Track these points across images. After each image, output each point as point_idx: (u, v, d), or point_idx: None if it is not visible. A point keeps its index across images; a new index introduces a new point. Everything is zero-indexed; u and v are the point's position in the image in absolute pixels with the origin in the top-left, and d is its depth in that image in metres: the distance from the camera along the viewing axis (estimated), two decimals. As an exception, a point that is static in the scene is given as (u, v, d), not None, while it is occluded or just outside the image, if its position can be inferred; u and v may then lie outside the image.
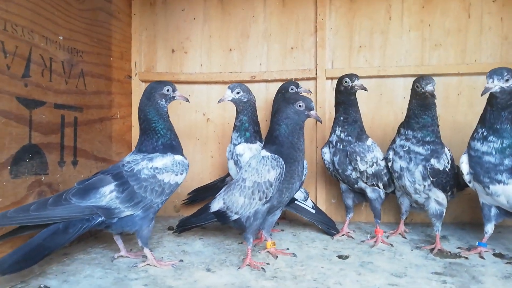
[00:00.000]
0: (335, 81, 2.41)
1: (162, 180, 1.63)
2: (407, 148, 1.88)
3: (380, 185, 2.04)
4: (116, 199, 1.55)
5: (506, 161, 1.65)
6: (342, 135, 2.02)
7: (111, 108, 2.33)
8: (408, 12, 2.39)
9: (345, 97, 2.01)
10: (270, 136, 1.70)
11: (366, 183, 2.03)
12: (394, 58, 2.40)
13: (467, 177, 1.80)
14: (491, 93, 1.66)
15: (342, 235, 2.08)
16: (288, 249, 1.88)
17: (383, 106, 2.41)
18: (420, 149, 1.86)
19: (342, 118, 2.02)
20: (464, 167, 1.79)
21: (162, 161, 1.66)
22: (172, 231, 2.16)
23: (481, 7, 2.32)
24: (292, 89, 2.17)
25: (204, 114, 2.58)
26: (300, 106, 1.62)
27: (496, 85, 1.63)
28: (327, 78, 2.42)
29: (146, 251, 1.66)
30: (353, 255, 1.79)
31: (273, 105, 2.27)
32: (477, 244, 1.83)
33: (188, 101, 1.87)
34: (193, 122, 2.57)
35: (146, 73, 2.58)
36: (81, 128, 2.04)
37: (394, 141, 1.97)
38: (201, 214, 1.92)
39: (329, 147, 2.10)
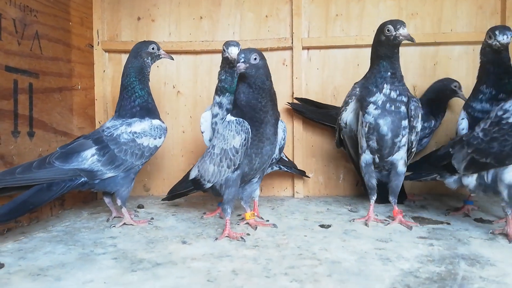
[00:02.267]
0: (312, 51, 2.36)
1: (141, 143, 1.71)
2: None
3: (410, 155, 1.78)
4: (98, 162, 1.63)
5: None
6: (393, 94, 1.64)
7: (71, 77, 2.13)
8: (385, -20, 2.34)
9: (387, 49, 1.63)
10: (234, 99, 1.60)
11: (411, 150, 1.73)
12: (371, 27, 2.32)
13: None
14: (493, 50, 1.66)
15: (366, 221, 1.70)
16: (268, 220, 1.78)
17: (360, 76, 2.32)
18: None
19: (389, 73, 1.63)
20: (463, 129, 1.79)
21: (140, 125, 1.73)
22: (161, 200, 2.11)
23: (456, -25, 2.30)
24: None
25: (174, 87, 2.42)
26: (234, 59, 1.48)
27: (506, 39, 1.63)
28: (303, 48, 2.32)
29: (124, 210, 1.74)
30: (335, 224, 1.72)
31: None
32: (464, 202, 1.83)
33: (172, 59, 1.91)
34: (162, 95, 2.41)
35: (110, 42, 2.39)
36: (38, 96, 1.84)
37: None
38: (183, 182, 1.86)
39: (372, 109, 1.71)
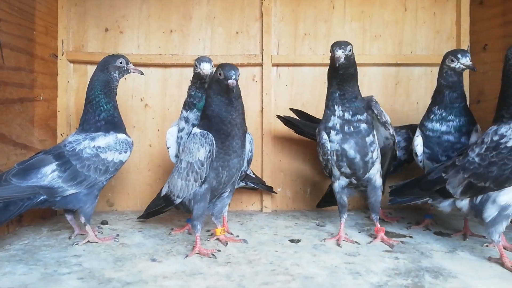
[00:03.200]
0: (281, 68, 2.42)
1: (105, 158, 1.66)
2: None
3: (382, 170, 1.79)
4: (58, 178, 1.57)
5: (463, 139, 1.75)
6: (347, 115, 1.63)
7: (33, 88, 2.05)
8: (350, 2, 2.44)
9: (333, 71, 1.65)
10: (202, 111, 1.61)
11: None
12: (337, 47, 2.42)
13: (420, 158, 1.87)
14: (455, 72, 1.75)
15: (337, 241, 1.68)
16: (238, 236, 1.78)
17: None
18: None
19: (337, 95, 1.64)
20: (419, 149, 1.85)
21: (104, 140, 1.69)
22: (137, 218, 2.08)
23: (416, 1, 2.44)
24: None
25: (141, 99, 2.38)
26: (219, 74, 1.48)
27: (469, 62, 1.72)
28: (273, 65, 2.37)
29: (88, 228, 1.68)
30: (304, 239, 1.75)
31: None
32: (424, 217, 1.91)
33: (142, 74, 1.90)
34: (130, 108, 2.37)
35: (75, 52, 2.32)
36: (-3, 107, 1.75)
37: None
38: (155, 199, 1.84)
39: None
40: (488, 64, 2.23)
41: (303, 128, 2.21)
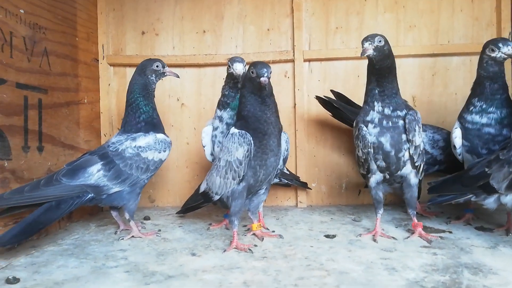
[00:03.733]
0: (313, 63, 2.42)
1: (146, 157, 1.74)
2: None
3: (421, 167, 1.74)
4: (104, 177, 1.66)
5: (504, 131, 1.70)
6: (387, 111, 1.63)
7: (78, 92, 2.17)
8: (383, -7, 2.40)
9: (371, 67, 1.64)
10: (238, 111, 1.64)
11: (415, 164, 1.68)
12: (371, 39, 2.39)
13: (459, 150, 1.83)
14: (495, 62, 1.69)
15: (373, 236, 1.67)
16: (273, 231, 1.81)
17: (360, 87, 2.37)
18: None
19: (377, 91, 1.64)
20: (457, 141, 1.81)
21: (144, 140, 1.77)
22: (176, 213, 2.16)
23: (452, -12, 2.36)
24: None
25: (178, 99, 2.47)
26: (252, 72, 1.51)
27: (511, 50, 1.65)
28: (304, 60, 2.38)
29: (132, 223, 1.77)
30: (339, 234, 1.76)
31: None
32: (464, 211, 1.87)
33: (178, 76, 1.94)
34: (167, 108, 2.46)
35: (115, 56, 2.44)
36: (47, 111, 1.88)
37: None
38: (194, 195, 1.91)
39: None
40: (533, 50, 2.12)
41: (342, 110, 2.18)
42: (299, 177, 2.35)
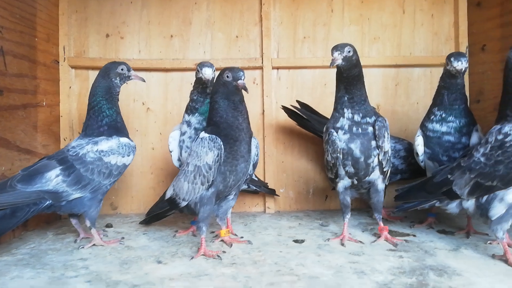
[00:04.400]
0: (281, 71, 2.44)
1: (108, 162, 1.67)
2: None
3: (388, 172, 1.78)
4: (63, 183, 1.58)
5: (463, 140, 1.77)
6: (357, 117, 1.66)
7: (36, 94, 2.06)
8: (349, 6, 2.46)
9: (339, 75, 1.68)
10: (208, 116, 1.62)
11: (383, 169, 1.71)
12: (337, 49, 2.44)
13: (421, 158, 1.89)
14: (450, 74, 1.77)
15: (341, 240, 1.70)
16: (242, 237, 1.79)
17: (327, 96, 2.43)
18: None
19: (346, 98, 1.66)
20: (420, 148, 1.88)
21: (107, 143, 1.70)
22: (139, 223, 2.06)
23: (414, 4, 2.47)
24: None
25: (143, 104, 2.40)
26: (227, 76, 1.49)
27: (464, 66, 1.73)
28: (273, 68, 2.39)
29: (94, 231, 1.70)
30: (308, 239, 1.76)
31: None
32: (427, 215, 1.93)
33: (144, 81, 1.89)
34: (132, 112, 2.38)
35: (77, 58, 2.34)
36: (1, 113, 1.77)
37: None
38: (159, 202, 1.84)
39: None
40: (487, 64, 2.25)
41: (308, 120, 2.21)
42: (267, 183, 2.34)
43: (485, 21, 2.26)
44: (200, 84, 1.82)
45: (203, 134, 1.56)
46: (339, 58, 1.59)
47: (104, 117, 1.73)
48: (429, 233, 1.84)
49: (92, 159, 1.64)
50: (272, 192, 2.32)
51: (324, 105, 2.44)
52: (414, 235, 1.79)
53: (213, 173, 1.52)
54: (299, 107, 2.28)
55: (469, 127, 1.78)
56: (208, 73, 1.77)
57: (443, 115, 1.81)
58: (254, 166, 1.83)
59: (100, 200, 1.72)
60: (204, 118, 1.83)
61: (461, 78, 1.78)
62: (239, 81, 1.46)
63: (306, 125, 2.27)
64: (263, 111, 2.39)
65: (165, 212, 1.84)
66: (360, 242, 1.68)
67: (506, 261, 1.38)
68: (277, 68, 2.42)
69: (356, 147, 1.66)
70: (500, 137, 1.43)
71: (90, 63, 2.34)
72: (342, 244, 1.66)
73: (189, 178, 1.57)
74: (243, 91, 1.52)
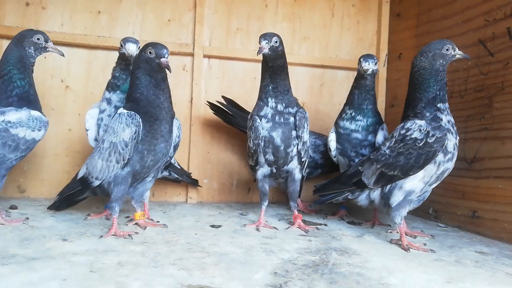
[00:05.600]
0: (213, 60, 2.44)
1: (16, 134, 1.56)
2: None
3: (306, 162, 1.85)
4: None
5: (370, 137, 1.89)
6: (280, 107, 1.71)
7: None
8: (282, 3, 2.54)
9: (265, 64, 1.71)
10: (128, 92, 1.57)
11: (301, 159, 1.78)
12: (268, 44, 2.50)
13: (333, 153, 1.99)
14: (361, 76, 1.88)
15: (257, 226, 1.73)
16: (158, 221, 1.75)
17: (256, 89, 2.46)
18: None
19: (271, 87, 1.71)
20: (332, 144, 1.99)
21: (16, 115, 1.58)
22: (48, 208, 1.87)
23: (342, 9, 2.61)
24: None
25: (62, 81, 2.26)
26: (150, 53, 1.45)
27: (371, 67, 1.84)
28: (204, 56, 2.39)
29: None
30: (225, 225, 1.77)
31: None
32: (339, 208, 2.04)
33: (63, 55, 1.75)
34: (48, 89, 2.23)
35: (-10, 24, 2.15)
36: None
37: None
38: (71, 182, 1.73)
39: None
40: (402, 71, 2.45)
41: (234, 116, 2.23)
42: (190, 173, 2.32)
43: (403, 31, 2.46)
44: (123, 60, 1.76)
45: (121, 110, 1.51)
46: (266, 47, 1.63)
47: (14, 88, 1.61)
48: (340, 223, 1.95)
49: None
50: (194, 183, 2.29)
51: (253, 98, 2.41)
52: (326, 225, 1.89)
53: (129, 151, 1.47)
54: (224, 102, 2.29)
55: (375, 126, 1.91)
56: (132, 49, 1.71)
57: (353, 114, 1.93)
58: (175, 148, 1.80)
59: (3, 175, 1.59)
60: (126, 97, 1.77)
61: (370, 80, 1.90)
62: (162, 59, 1.43)
63: (232, 121, 2.29)
64: (192, 99, 2.37)
65: (77, 195, 1.74)
66: (275, 228, 1.74)
67: (401, 244, 1.50)
68: (209, 56, 2.41)
69: (277, 136, 1.70)
70: (403, 131, 1.57)
71: (4, 32, 2.15)
72: (257, 229, 1.69)
73: (103, 156, 1.51)
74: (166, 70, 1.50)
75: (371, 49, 2.63)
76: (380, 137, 1.88)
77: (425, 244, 1.52)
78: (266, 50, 1.63)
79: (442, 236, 1.72)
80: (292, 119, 1.73)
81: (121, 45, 1.74)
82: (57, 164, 2.26)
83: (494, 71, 1.74)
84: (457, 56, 1.56)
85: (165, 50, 1.45)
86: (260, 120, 1.71)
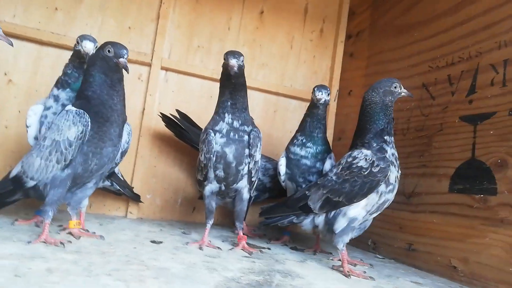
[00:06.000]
0: (170, 73, 2.42)
1: None
2: None
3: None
4: None
5: (318, 165, 1.93)
6: (236, 123, 1.71)
7: None
8: (244, 29, 2.60)
9: (227, 79, 1.71)
10: (79, 89, 1.50)
11: (251, 179, 1.78)
12: (228, 66, 2.52)
13: (282, 177, 2.01)
14: (314, 104, 1.94)
15: (200, 245, 1.67)
16: (94, 232, 1.64)
17: (212, 108, 2.45)
18: None
19: (229, 103, 1.70)
20: (282, 168, 2.00)
21: None
22: None
23: (300, 42, 2.72)
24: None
25: (6, 74, 2.10)
26: (109, 51, 1.41)
27: (324, 97, 1.91)
28: (162, 68, 2.35)
29: None
30: (167, 242, 1.70)
31: None
32: (282, 233, 2.04)
33: (11, 44, 1.58)
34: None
35: None
36: None
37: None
38: (1, 182, 1.58)
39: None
40: (351, 107, 2.57)
41: (186, 131, 2.19)
42: (132, 187, 2.22)
43: (355, 70, 2.61)
44: (78, 58, 1.69)
45: (69, 107, 1.43)
46: (236, 66, 1.64)
47: None
48: (283, 248, 1.94)
49: None
50: (136, 198, 2.19)
51: (208, 116, 2.39)
52: (269, 248, 1.88)
53: (73, 151, 1.38)
54: (178, 116, 2.25)
55: (324, 154, 1.97)
56: (88, 47, 1.65)
57: (304, 141, 1.98)
58: (123, 154, 1.72)
59: None
60: (75, 95, 1.68)
61: (321, 109, 1.97)
62: (121, 59, 1.39)
63: (184, 136, 2.25)
64: (144, 109, 2.30)
65: (6, 196, 1.58)
66: (219, 248, 1.69)
67: (342, 269, 1.52)
68: (166, 69, 2.38)
69: (230, 152, 1.69)
70: (349, 159, 1.63)
71: None
72: (201, 248, 1.64)
73: (43, 154, 1.40)
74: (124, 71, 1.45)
75: (324, 83, 2.74)
76: (327, 165, 1.93)
77: (365, 272, 1.56)
78: (235, 68, 1.64)
79: (380, 266, 1.78)
80: (246, 137, 1.72)
81: (78, 42, 1.68)
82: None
83: (435, 113, 1.88)
84: (403, 94, 1.67)
85: (125, 51, 1.42)
86: (215, 135, 1.69)
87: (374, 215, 1.68)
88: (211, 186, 1.74)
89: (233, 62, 1.63)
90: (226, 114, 1.70)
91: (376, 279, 1.49)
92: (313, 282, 1.32)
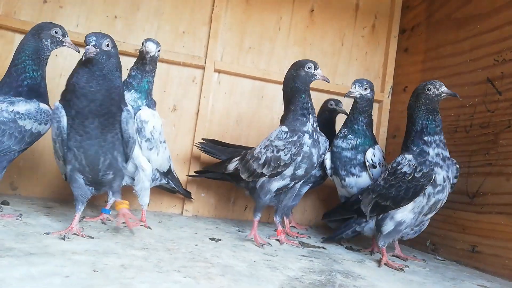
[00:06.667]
0: (222, 75, 2.45)
1: (23, 126, 1.52)
2: None
3: None
4: None
5: (359, 156, 1.93)
6: (315, 124, 1.80)
7: None
8: (295, 28, 2.59)
9: (304, 83, 1.83)
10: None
11: None
12: (278, 66, 2.54)
13: (329, 171, 2.03)
14: (353, 98, 1.93)
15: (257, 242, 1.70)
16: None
17: (262, 108, 2.50)
18: None
19: (310, 105, 1.78)
20: (327, 162, 2.02)
21: (25, 106, 1.54)
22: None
23: (352, 39, 2.68)
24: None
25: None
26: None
27: (357, 91, 1.89)
28: (215, 70, 2.40)
29: None
30: (224, 239, 1.74)
31: None
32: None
33: (78, 51, 1.67)
34: (55, 87, 2.04)
35: (5, 17, 2.14)
36: None
37: None
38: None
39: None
40: (406, 104, 2.47)
41: (219, 155, 2.17)
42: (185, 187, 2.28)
43: (410, 65, 2.52)
44: (140, 59, 1.79)
45: (56, 103, 1.44)
46: (356, 92, 1.85)
47: (26, 78, 1.59)
48: (338, 248, 1.92)
49: (5, 119, 1.49)
50: (188, 195, 2.25)
51: (258, 115, 2.50)
52: (325, 248, 1.86)
53: (59, 148, 1.44)
54: (208, 146, 2.21)
55: (365, 146, 1.94)
56: (150, 48, 1.74)
57: (346, 133, 1.98)
58: (127, 144, 1.58)
59: (4, 167, 1.55)
60: (139, 96, 1.77)
61: (360, 103, 1.94)
62: (87, 47, 1.33)
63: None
64: (198, 110, 2.36)
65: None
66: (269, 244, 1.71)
67: (380, 261, 1.59)
68: (219, 71, 2.43)
69: (315, 152, 1.73)
70: (394, 165, 1.66)
71: (19, 26, 2.14)
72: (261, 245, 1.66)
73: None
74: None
75: (377, 80, 2.68)
76: (369, 154, 1.92)
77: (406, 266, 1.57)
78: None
79: (442, 268, 1.71)
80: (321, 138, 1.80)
81: (142, 44, 1.79)
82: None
83: (502, 108, 1.78)
84: (443, 95, 1.63)
85: (94, 38, 1.36)
86: (303, 135, 1.70)
87: (429, 215, 1.69)
88: (281, 183, 1.75)
89: (320, 72, 1.81)
90: (310, 116, 1.75)
91: (440, 282, 1.44)
92: (376, 284, 1.29)
